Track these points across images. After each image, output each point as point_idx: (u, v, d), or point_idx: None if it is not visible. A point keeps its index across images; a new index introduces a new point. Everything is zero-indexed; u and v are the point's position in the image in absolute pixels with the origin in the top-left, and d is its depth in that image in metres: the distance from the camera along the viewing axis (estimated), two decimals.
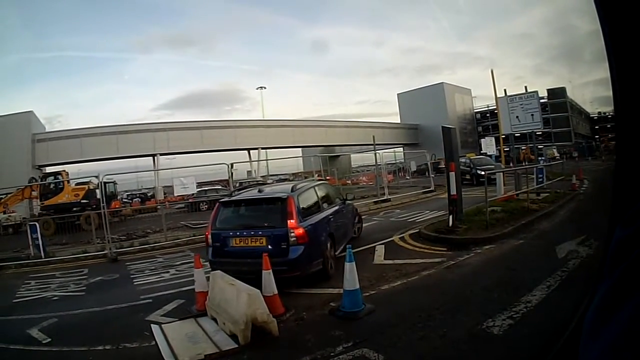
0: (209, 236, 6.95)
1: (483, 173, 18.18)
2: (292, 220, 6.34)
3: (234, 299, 4.76)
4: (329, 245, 7.03)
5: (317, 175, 24.93)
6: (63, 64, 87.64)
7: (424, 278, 6.35)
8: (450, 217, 9.19)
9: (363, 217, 11.12)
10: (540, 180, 13.54)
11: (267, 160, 42.62)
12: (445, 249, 8.01)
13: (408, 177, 31.14)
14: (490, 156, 23.45)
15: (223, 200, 7.66)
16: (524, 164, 26.16)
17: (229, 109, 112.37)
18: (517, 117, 18.39)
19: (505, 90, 20.13)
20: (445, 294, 5.49)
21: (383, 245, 8.85)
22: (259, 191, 7.50)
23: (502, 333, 4.05)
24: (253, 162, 42.01)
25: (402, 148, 50.48)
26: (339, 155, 52.75)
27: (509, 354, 3.72)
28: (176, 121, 47.83)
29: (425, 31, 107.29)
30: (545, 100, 47.56)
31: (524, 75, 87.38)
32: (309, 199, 7.40)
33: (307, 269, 6.38)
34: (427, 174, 30.53)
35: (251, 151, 49.03)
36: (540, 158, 30.07)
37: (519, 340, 3.86)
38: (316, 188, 8.01)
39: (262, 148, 49.36)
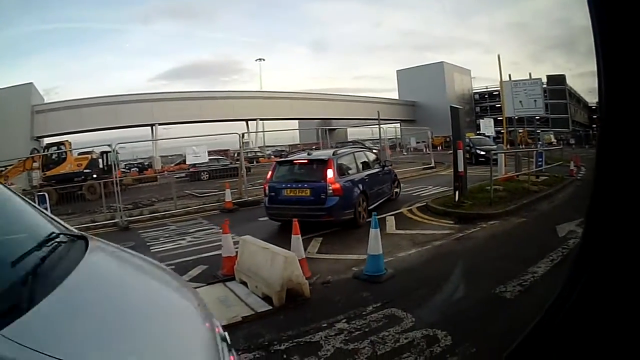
0: (267, 188, 8.95)
1: (483, 153, 18.69)
2: (330, 177, 8.15)
3: (268, 262, 5.03)
4: (361, 200, 8.75)
5: (314, 147, 25.26)
6: (60, 36, 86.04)
7: (436, 248, 6.84)
8: (457, 192, 9.64)
9: None
10: (540, 163, 14.00)
11: (266, 131, 42.74)
12: (452, 222, 8.53)
13: (405, 153, 31.53)
14: (488, 137, 23.80)
15: (279, 160, 10.10)
16: (521, 146, 26.66)
17: (227, 79, 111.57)
18: (520, 101, 18.79)
19: (510, 75, 20.44)
20: (457, 263, 5.95)
21: (393, 217, 9.31)
22: (308, 154, 9.43)
23: (514, 297, 4.53)
24: (251, 133, 42.09)
25: (399, 124, 50.76)
26: (335, 129, 52.91)
27: (522, 315, 4.15)
28: (175, 91, 47.63)
29: (424, 11, 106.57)
30: (545, 86, 47.79)
31: (519, 61, 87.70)
32: (347, 162, 9.21)
33: (340, 216, 8.18)
34: (425, 150, 30.99)
35: (249, 122, 49.08)
36: (537, 142, 30.57)
37: (530, 304, 4.30)
38: (355, 154, 9.80)
39: (260, 119, 49.35)
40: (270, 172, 9.21)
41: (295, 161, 9.23)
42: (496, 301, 4.46)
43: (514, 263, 5.66)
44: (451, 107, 10.48)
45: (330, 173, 8.17)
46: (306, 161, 8.94)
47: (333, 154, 8.86)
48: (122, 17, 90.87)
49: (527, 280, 4.98)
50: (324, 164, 8.40)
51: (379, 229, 5.69)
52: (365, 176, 9.40)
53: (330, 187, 8.05)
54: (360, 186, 8.90)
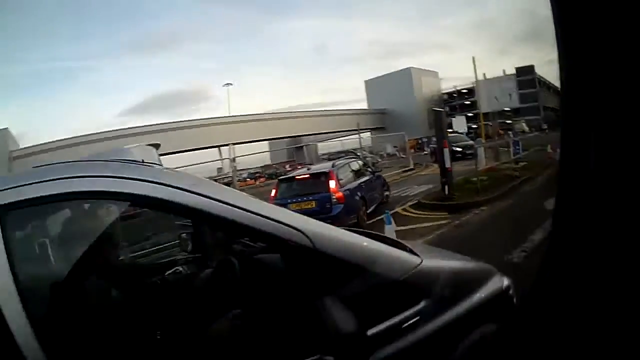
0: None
1: (459, 149, 19.54)
2: (333, 187, 8.69)
3: None
4: (361, 205, 9.41)
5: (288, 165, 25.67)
6: (26, 78, 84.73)
7: (440, 235, 7.42)
8: (446, 186, 10.31)
9: None
10: (517, 151, 14.85)
11: (242, 155, 42.69)
12: (446, 212, 9.11)
13: (379, 160, 32.24)
14: (461, 133, 24.62)
15: (281, 177, 10.69)
16: (495, 138, 27.86)
17: (195, 108, 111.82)
18: (495, 97, 19.76)
19: (484, 74, 21.56)
20: (463, 242, 6.53)
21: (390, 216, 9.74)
22: (308, 169, 10.13)
23: (521, 261, 5.19)
24: (225, 160, 42.12)
25: (369, 132, 51.79)
26: (303, 145, 53.44)
27: (531, 273, 4.70)
28: (146, 125, 47.76)
29: (388, 20, 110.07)
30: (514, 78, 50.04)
31: (487, 56, 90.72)
32: (345, 171, 9.82)
33: (345, 222, 8.37)
34: (398, 154, 31.80)
35: (221, 148, 49.04)
36: (508, 132, 31.77)
37: (536, 264, 4.85)
38: (350, 164, 10.57)
39: (234, 144, 49.37)
40: (274, 190, 9.70)
41: (297, 177, 9.70)
42: (506, 266, 5.00)
43: (512, 235, 6.27)
44: (434, 110, 11.23)
45: (332, 184, 8.73)
46: (308, 175, 9.42)
47: (332, 166, 9.51)
48: (87, 53, 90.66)
49: (528, 247, 5.62)
50: (325, 176, 8.95)
51: (392, 224, 6.24)
52: (362, 183, 10.04)
53: (334, 197, 8.59)
54: (359, 192, 9.53)
